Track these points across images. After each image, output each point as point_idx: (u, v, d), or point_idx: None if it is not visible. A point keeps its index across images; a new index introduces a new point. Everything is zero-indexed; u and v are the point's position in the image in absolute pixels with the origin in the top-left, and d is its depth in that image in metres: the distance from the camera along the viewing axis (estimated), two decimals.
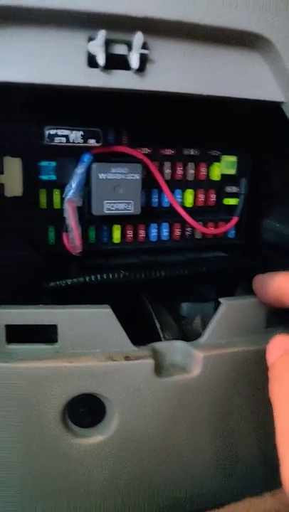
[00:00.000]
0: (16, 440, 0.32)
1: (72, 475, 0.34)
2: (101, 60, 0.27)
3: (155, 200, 0.43)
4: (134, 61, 0.27)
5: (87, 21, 0.27)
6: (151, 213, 0.43)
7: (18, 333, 0.33)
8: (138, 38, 0.27)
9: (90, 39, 0.27)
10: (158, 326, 0.41)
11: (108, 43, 0.27)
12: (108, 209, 0.38)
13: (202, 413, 0.36)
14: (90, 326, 0.33)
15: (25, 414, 0.32)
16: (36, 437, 0.32)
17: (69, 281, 0.37)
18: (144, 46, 0.28)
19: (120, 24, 0.27)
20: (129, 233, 0.42)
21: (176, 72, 0.29)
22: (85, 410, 0.34)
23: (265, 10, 0.28)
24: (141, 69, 0.28)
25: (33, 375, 0.31)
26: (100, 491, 0.35)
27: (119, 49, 0.28)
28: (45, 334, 0.33)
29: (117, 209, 0.39)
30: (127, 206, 0.39)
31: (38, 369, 0.31)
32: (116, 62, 0.28)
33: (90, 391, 0.32)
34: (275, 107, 0.33)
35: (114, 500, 0.36)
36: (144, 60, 0.28)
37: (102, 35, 0.26)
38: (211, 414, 0.36)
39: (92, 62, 0.27)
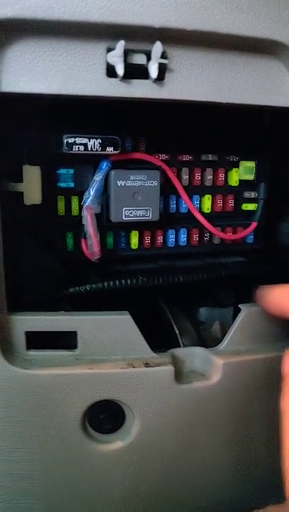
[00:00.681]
0: (37, 448, 0.32)
1: (93, 482, 0.34)
2: (120, 70, 0.27)
3: (173, 206, 0.43)
4: (153, 71, 0.28)
5: (106, 32, 0.27)
6: (169, 219, 0.43)
7: (39, 340, 0.33)
8: (157, 47, 0.27)
9: (109, 50, 0.27)
10: (177, 331, 0.42)
11: (127, 53, 0.28)
12: (127, 216, 0.39)
13: (222, 420, 0.36)
14: (110, 333, 0.33)
15: (45, 421, 0.32)
16: (57, 443, 0.33)
17: (88, 288, 0.37)
18: (163, 55, 0.28)
19: (139, 34, 0.27)
20: (147, 239, 0.42)
21: (196, 80, 0.29)
22: (105, 416, 0.34)
23: (283, 17, 0.28)
24: (160, 78, 0.28)
25: (53, 382, 0.32)
26: (120, 498, 0.35)
27: (138, 59, 0.28)
28: (66, 341, 0.34)
29: (135, 216, 0.39)
30: (146, 213, 0.39)
31: (58, 376, 0.32)
32: (135, 72, 0.28)
33: (110, 397, 0.33)
34: None
35: (135, 507, 0.36)
36: (163, 69, 0.28)
37: (120, 45, 0.27)
38: (231, 421, 0.36)
39: (111, 72, 0.28)
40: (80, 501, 0.34)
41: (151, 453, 0.35)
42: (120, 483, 0.34)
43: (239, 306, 0.36)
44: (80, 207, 0.38)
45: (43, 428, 0.32)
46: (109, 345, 0.33)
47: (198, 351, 0.36)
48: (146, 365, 0.33)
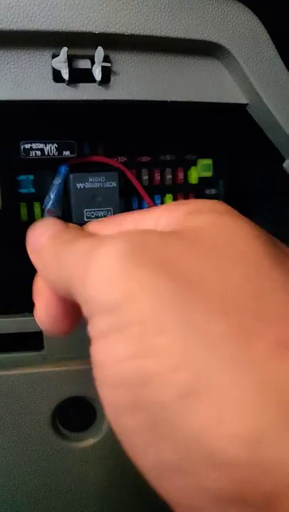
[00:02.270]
0: (8, 448, 0.33)
1: (66, 480, 0.34)
2: (65, 74, 0.28)
3: (135, 206, 0.44)
4: (97, 74, 0.29)
5: (50, 40, 0.28)
6: None
7: (6, 342, 0.34)
8: (99, 52, 0.28)
9: (54, 56, 0.29)
10: None
11: (71, 59, 0.29)
12: (88, 217, 0.39)
13: None
14: (75, 331, 0.34)
15: (16, 421, 0.32)
16: (28, 443, 0.33)
17: None
18: (106, 59, 0.29)
19: (81, 41, 0.28)
20: None
21: (139, 81, 0.30)
22: (76, 414, 0.34)
23: (220, 20, 0.30)
24: (105, 81, 0.29)
25: (22, 382, 0.32)
26: (94, 495, 0.35)
27: (83, 63, 0.29)
28: (33, 342, 0.34)
29: (96, 217, 0.40)
30: (107, 213, 0.40)
31: (25, 375, 0.32)
32: (80, 76, 0.29)
33: (78, 394, 0.33)
34: (243, 109, 0.35)
35: (110, 504, 0.36)
36: (107, 72, 0.29)
37: (64, 51, 0.28)
38: None
39: (57, 77, 0.29)
40: (53, 500, 0.34)
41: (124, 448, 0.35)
42: (93, 481, 0.35)
43: None
44: (43, 211, 0.39)
45: (14, 428, 0.32)
46: (76, 343, 0.34)
47: None
48: None
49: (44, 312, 0.23)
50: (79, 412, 0.34)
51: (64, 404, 0.33)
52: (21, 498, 0.34)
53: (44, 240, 0.23)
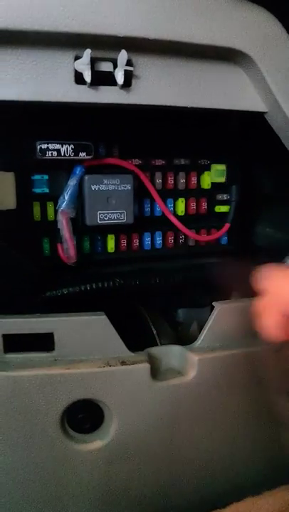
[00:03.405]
0: (16, 448, 0.33)
1: (73, 481, 0.34)
2: (88, 77, 0.28)
3: (148, 209, 0.44)
4: (120, 77, 0.29)
5: (73, 41, 0.28)
6: (144, 222, 0.44)
7: (17, 342, 0.33)
8: (122, 55, 0.28)
9: (77, 58, 0.29)
10: (154, 332, 0.42)
11: (94, 61, 0.29)
12: (101, 219, 0.39)
13: (199, 414, 0.36)
14: (86, 333, 0.34)
15: (24, 422, 0.32)
16: (36, 444, 0.33)
17: (65, 291, 0.38)
18: (129, 63, 0.29)
19: (105, 43, 0.28)
20: (123, 242, 0.43)
21: (161, 86, 0.30)
22: (84, 416, 0.34)
23: (244, 28, 0.30)
24: (126, 84, 0.29)
25: (32, 383, 0.32)
26: (101, 497, 0.35)
27: (105, 66, 0.29)
28: (44, 342, 0.34)
29: (110, 219, 0.40)
30: (120, 216, 0.40)
31: (36, 377, 0.32)
32: (102, 79, 0.29)
33: (88, 397, 0.33)
34: (260, 116, 0.35)
35: (116, 506, 0.36)
36: (129, 76, 0.29)
37: (87, 54, 0.28)
38: (208, 415, 0.37)
39: (79, 79, 0.29)
40: (60, 501, 0.34)
41: (131, 451, 0.35)
42: (100, 482, 0.35)
43: (213, 303, 0.37)
44: (56, 212, 0.39)
45: (22, 429, 0.32)
46: (86, 345, 0.34)
47: (174, 349, 0.37)
48: (123, 363, 0.34)
49: (273, 327, 0.28)
50: (87, 414, 0.34)
51: (73, 406, 0.33)
52: (28, 497, 0.34)
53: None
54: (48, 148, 0.36)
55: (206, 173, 0.45)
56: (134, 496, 0.36)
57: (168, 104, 0.31)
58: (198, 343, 0.37)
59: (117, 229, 0.43)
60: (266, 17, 0.30)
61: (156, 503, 0.37)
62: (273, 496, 0.36)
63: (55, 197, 0.39)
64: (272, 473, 0.40)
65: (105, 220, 0.40)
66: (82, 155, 0.37)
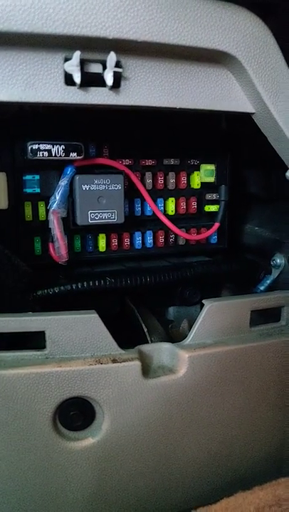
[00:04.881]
0: (8, 446, 0.33)
1: (65, 479, 0.35)
2: (77, 78, 0.29)
3: (138, 209, 0.44)
4: (109, 79, 0.29)
5: (63, 43, 0.28)
6: (134, 222, 0.44)
7: (9, 341, 0.34)
8: (111, 57, 0.29)
9: (66, 59, 0.29)
10: (145, 330, 0.43)
11: (84, 63, 0.29)
12: (92, 219, 0.40)
13: (190, 411, 0.37)
14: (77, 331, 0.34)
15: (15, 420, 0.33)
16: (28, 442, 0.33)
17: (56, 290, 0.39)
18: (118, 65, 0.29)
19: (94, 45, 0.29)
20: (114, 241, 0.44)
21: (149, 87, 0.31)
22: (76, 414, 0.35)
23: (230, 30, 0.30)
24: (116, 86, 0.30)
25: (23, 381, 0.32)
26: (93, 494, 0.35)
27: (95, 68, 0.30)
28: (35, 341, 0.34)
29: (101, 218, 0.40)
30: (111, 215, 0.41)
31: (27, 375, 0.32)
32: (92, 80, 0.30)
33: (79, 394, 0.34)
34: (248, 117, 0.35)
35: (108, 503, 0.36)
36: (118, 77, 0.30)
37: (77, 55, 0.28)
38: (199, 412, 0.37)
39: (69, 80, 0.29)
40: (52, 498, 0.35)
41: (123, 448, 0.35)
42: (92, 479, 0.35)
43: (203, 301, 0.38)
44: (47, 212, 0.39)
45: (14, 427, 0.33)
46: (78, 343, 0.34)
47: (165, 346, 0.37)
48: (114, 361, 0.34)
49: None
50: (78, 411, 0.35)
51: (64, 404, 0.33)
52: (20, 495, 0.34)
53: None
54: (39, 149, 0.36)
55: (195, 173, 0.46)
56: (126, 493, 0.37)
57: (156, 105, 0.31)
58: (188, 340, 0.37)
59: (107, 228, 0.43)
60: (252, 19, 0.31)
61: (147, 500, 0.38)
62: (264, 490, 0.37)
63: (46, 197, 0.40)
64: (264, 467, 0.41)
65: (96, 220, 0.40)
66: (73, 155, 0.37)
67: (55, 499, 0.35)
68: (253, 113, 0.34)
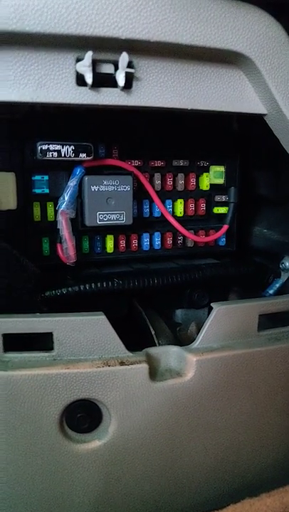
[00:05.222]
0: (15, 448, 0.33)
1: (71, 481, 0.34)
2: (89, 79, 0.29)
3: (146, 210, 0.44)
4: (121, 79, 0.29)
5: (75, 43, 0.28)
6: (143, 223, 0.44)
7: (16, 342, 0.34)
8: (123, 58, 0.29)
9: (78, 60, 0.29)
10: (153, 332, 0.43)
11: (95, 63, 0.29)
12: (101, 220, 0.40)
13: (197, 415, 0.37)
14: (85, 333, 0.34)
15: (22, 421, 0.32)
16: (34, 444, 0.33)
17: (64, 291, 0.38)
18: (130, 65, 0.29)
19: (106, 45, 0.29)
20: (122, 243, 0.44)
21: (161, 88, 0.31)
22: (83, 416, 0.34)
23: (244, 30, 0.30)
24: (127, 86, 0.30)
25: (31, 383, 0.32)
26: (99, 497, 0.35)
27: (106, 68, 0.29)
28: (43, 342, 0.34)
29: (109, 220, 0.40)
30: (120, 217, 0.40)
31: (35, 376, 0.32)
32: (103, 81, 0.29)
33: (87, 397, 0.33)
34: (259, 118, 0.35)
35: (114, 506, 0.36)
36: (130, 78, 0.29)
37: (89, 56, 0.28)
38: (206, 416, 0.37)
39: (80, 81, 0.29)
40: (58, 500, 0.34)
41: (129, 451, 0.35)
42: (99, 482, 0.35)
43: (211, 304, 0.37)
44: (56, 212, 0.39)
45: (21, 428, 0.32)
46: (85, 345, 0.34)
47: (173, 350, 0.37)
48: (122, 363, 0.34)
49: None
50: (85, 413, 0.34)
51: (71, 406, 0.33)
52: (26, 497, 0.34)
53: None
54: (48, 149, 0.36)
55: (204, 174, 0.46)
56: (131, 497, 0.36)
57: (168, 106, 0.31)
58: (196, 343, 0.37)
59: (116, 229, 0.43)
60: (266, 19, 0.30)
61: (154, 503, 0.37)
62: (271, 497, 0.37)
63: (55, 197, 0.39)
64: (271, 474, 0.41)
65: (104, 221, 0.40)
66: (83, 156, 0.37)
67: (61, 502, 0.35)
68: (265, 114, 0.34)
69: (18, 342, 0.34)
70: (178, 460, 0.37)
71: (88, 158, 0.38)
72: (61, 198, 0.38)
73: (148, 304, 0.46)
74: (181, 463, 0.37)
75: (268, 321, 0.41)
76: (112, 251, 0.43)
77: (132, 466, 0.35)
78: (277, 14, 0.31)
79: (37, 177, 0.39)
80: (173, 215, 0.45)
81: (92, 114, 0.39)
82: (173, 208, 0.45)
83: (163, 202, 0.44)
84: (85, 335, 0.34)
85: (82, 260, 0.41)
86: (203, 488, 0.39)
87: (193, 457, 0.38)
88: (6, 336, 0.33)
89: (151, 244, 0.45)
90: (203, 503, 0.39)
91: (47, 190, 0.40)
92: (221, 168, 0.46)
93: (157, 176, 0.44)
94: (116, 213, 0.40)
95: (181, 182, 0.45)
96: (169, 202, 0.45)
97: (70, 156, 0.37)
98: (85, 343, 0.34)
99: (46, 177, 0.39)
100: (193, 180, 0.45)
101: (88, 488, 0.35)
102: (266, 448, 0.40)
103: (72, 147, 0.37)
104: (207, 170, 0.46)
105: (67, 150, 0.36)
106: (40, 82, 0.29)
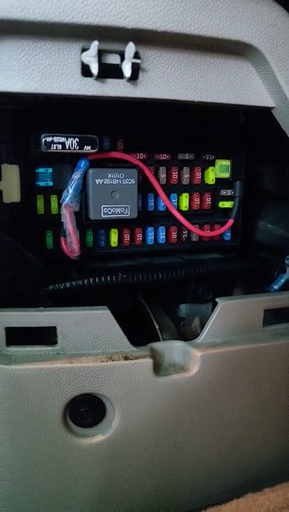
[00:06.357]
0: (18, 442, 0.33)
1: (74, 475, 0.34)
2: (95, 69, 0.28)
3: (151, 204, 0.44)
4: (127, 70, 0.28)
5: (81, 33, 0.28)
6: (147, 217, 0.44)
7: (20, 336, 0.33)
8: (130, 48, 0.28)
9: (84, 50, 0.28)
10: (157, 327, 0.42)
11: (101, 53, 0.28)
12: (105, 213, 0.39)
13: (201, 410, 0.36)
14: (89, 328, 0.34)
15: (26, 416, 0.32)
16: (38, 438, 0.33)
17: (68, 285, 0.38)
18: (136, 56, 0.29)
19: (112, 35, 0.28)
20: (127, 237, 0.43)
21: (168, 80, 0.30)
22: (86, 410, 0.34)
23: (254, 20, 0.29)
24: (133, 77, 0.29)
25: (34, 377, 0.32)
26: (102, 491, 0.35)
27: (112, 59, 0.29)
28: (47, 336, 0.34)
29: (114, 213, 0.40)
30: (124, 210, 0.40)
31: (38, 370, 0.32)
32: (109, 72, 0.29)
33: (91, 391, 0.33)
34: (267, 111, 0.34)
35: (117, 500, 0.36)
36: (136, 69, 0.29)
37: (94, 46, 0.27)
38: (210, 411, 0.37)
39: (86, 71, 0.29)
40: (61, 494, 0.34)
41: (132, 445, 0.35)
42: (102, 476, 0.35)
43: (216, 299, 0.37)
44: (59, 205, 0.39)
45: (24, 423, 0.32)
46: (89, 339, 0.34)
47: (177, 344, 0.37)
48: (126, 358, 0.34)
49: None
50: (89, 408, 0.34)
51: (75, 400, 0.33)
52: (29, 491, 0.34)
53: None
54: (52, 142, 0.36)
55: (210, 168, 0.45)
56: (134, 491, 0.36)
57: (175, 98, 0.30)
58: (200, 338, 0.37)
59: (120, 223, 0.42)
60: (276, 10, 0.30)
61: (157, 498, 0.37)
62: (274, 492, 0.37)
63: (59, 190, 0.39)
64: (275, 469, 0.40)
65: (109, 215, 0.39)
66: (87, 148, 0.37)
67: (64, 496, 0.35)
68: (273, 107, 0.33)
69: (21, 336, 0.33)
70: (181, 455, 0.37)
71: (93, 150, 0.37)
72: (65, 191, 0.38)
73: (152, 299, 0.46)
74: (184, 458, 0.37)
75: (273, 316, 0.40)
76: (116, 245, 0.43)
77: (135, 460, 0.35)
78: (287, 5, 0.30)
79: (41, 169, 0.39)
80: (178, 209, 0.44)
81: (97, 106, 0.38)
82: (178, 202, 0.45)
83: (168, 196, 0.43)
84: (89, 329, 0.34)
85: (86, 254, 0.41)
86: (206, 483, 0.39)
87: (196, 452, 0.38)
88: (9, 329, 0.33)
89: (155, 239, 0.45)
90: (206, 497, 0.39)
91: (51, 183, 0.39)
92: (227, 162, 0.45)
93: (162, 169, 0.43)
94: (120, 207, 0.40)
95: (186, 176, 0.44)
96: (174, 196, 0.44)
97: (74, 149, 0.36)
98: (88, 337, 0.34)
99: (50, 170, 0.39)
100: (198, 174, 0.45)
101: (91, 482, 0.35)
102: (269, 443, 0.40)
103: (77, 139, 0.36)
104: (213, 164, 0.45)
105: (71, 142, 0.36)
106: (44, 72, 0.29)
